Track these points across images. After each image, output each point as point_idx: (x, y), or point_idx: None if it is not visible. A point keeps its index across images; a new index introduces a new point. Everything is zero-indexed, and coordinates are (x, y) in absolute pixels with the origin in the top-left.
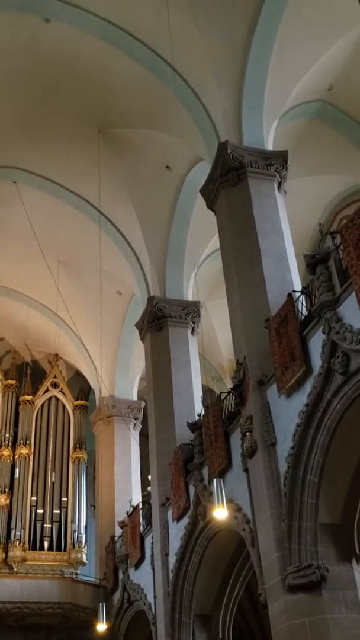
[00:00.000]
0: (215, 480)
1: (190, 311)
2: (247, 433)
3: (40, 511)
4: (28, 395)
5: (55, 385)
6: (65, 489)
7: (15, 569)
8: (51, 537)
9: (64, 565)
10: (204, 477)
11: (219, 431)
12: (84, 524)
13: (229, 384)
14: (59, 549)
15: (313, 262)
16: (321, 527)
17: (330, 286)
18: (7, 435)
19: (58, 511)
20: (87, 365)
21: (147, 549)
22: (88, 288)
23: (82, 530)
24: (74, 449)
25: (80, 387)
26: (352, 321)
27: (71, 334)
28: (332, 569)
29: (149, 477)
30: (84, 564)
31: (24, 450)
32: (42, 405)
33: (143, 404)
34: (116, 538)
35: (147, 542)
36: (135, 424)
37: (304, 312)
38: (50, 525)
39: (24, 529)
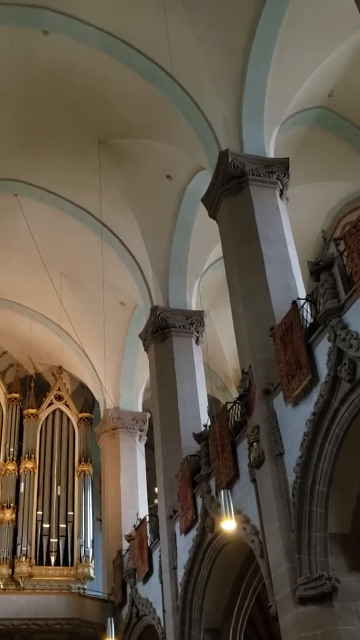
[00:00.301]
0: (222, 491)
1: (194, 321)
2: (254, 443)
3: (46, 526)
4: (32, 408)
5: (59, 397)
6: (71, 502)
7: (22, 585)
8: (58, 551)
9: (71, 580)
10: (212, 488)
11: (225, 442)
12: (91, 538)
13: (234, 394)
14: (65, 563)
15: (317, 269)
16: (331, 537)
17: (334, 293)
18: (11, 449)
19: (64, 525)
20: (91, 377)
21: (155, 563)
22: (91, 299)
23: (89, 544)
24: (79, 462)
25: (85, 399)
26: (358, 328)
27: (74, 346)
28: (343, 580)
29: (156, 490)
30: (92, 579)
31: (29, 464)
32: (47, 418)
33: (148, 415)
34: (123, 552)
35: (155, 555)
36: (140, 435)
37: (309, 319)
38: (56, 540)
39: (30, 544)
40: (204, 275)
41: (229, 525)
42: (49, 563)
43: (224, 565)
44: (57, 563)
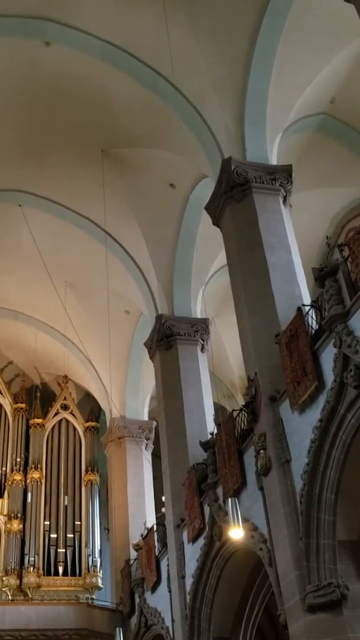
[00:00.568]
0: (230, 499)
1: (199, 328)
2: (261, 450)
3: (53, 536)
4: (38, 418)
5: (65, 407)
6: (78, 512)
7: (30, 596)
8: (65, 562)
9: (79, 590)
10: (219, 496)
11: (232, 449)
12: (99, 547)
13: (240, 401)
14: (73, 574)
15: (321, 275)
16: (339, 545)
17: (339, 299)
18: (18, 459)
19: (72, 535)
20: (96, 386)
21: (163, 572)
22: (95, 308)
23: (97, 554)
24: (86, 471)
25: (91, 408)
26: None
27: (80, 355)
28: (352, 587)
29: (163, 498)
30: (100, 589)
31: (36, 475)
32: (53, 428)
33: (154, 423)
34: (131, 561)
35: (163, 564)
36: (147, 444)
37: (315, 326)
38: (64, 550)
39: (38, 555)
40: (209, 282)
41: (236, 533)
42: (57, 573)
43: (232, 573)
44: (65, 573)
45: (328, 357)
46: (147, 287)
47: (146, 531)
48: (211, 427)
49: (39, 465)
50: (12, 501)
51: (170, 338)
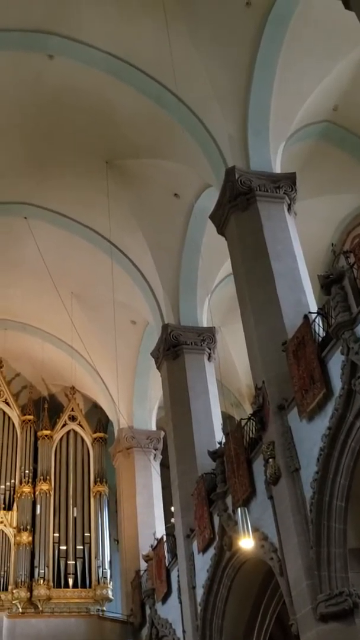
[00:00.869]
0: (239, 509)
1: (206, 337)
2: (270, 459)
3: (63, 548)
4: (46, 430)
5: (73, 418)
6: (87, 524)
7: (41, 608)
8: (75, 573)
9: (89, 602)
10: (228, 506)
11: (240, 459)
12: (108, 559)
13: (248, 410)
14: (83, 585)
15: (327, 283)
16: (351, 553)
17: (346, 306)
18: (26, 471)
19: (81, 547)
20: (104, 397)
21: (173, 583)
22: (102, 319)
23: (107, 565)
24: (95, 482)
25: (98, 419)
26: None
27: (87, 366)
28: None
29: (172, 509)
30: (110, 600)
31: (44, 486)
32: (61, 439)
33: (162, 433)
34: (141, 572)
35: (173, 575)
36: (155, 454)
37: (322, 333)
38: (74, 562)
39: (48, 567)
40: (215, 291)
41: (246, 543)
42: (67, 585)
43: (243, 583)
44: (75, 585)
45: (336, 364)
46: (153, 297)
47: (156, 542)
48: (219, 436)
49: (48, 477)
50: (21, 513)
51: (177, 347)
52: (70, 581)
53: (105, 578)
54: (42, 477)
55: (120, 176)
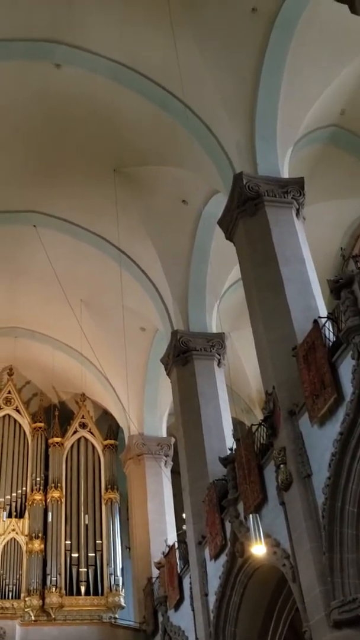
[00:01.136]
0: (251, 515)
1: (215, 343)
2: (281, 465)
3: (75, 555)
4: (57, 437)
5: (83, 425)
6: (99, 531)
7: (53, 616)
8: (87, 581)
9: (102, 609)
10: (240, 512)
11: (252, 465)
12: (120, 566)
13: (259, 416)
14: (96, 593)
15: (337, 287)
16: None
17: (356, 310)
18: (38, 479)
19: (93, 554)
20: (114, 404)
21: (185, 590)
22: (111, 326)
23: (119, 572)
24: (106, 489)
25: (109, 426)
26: None
27: (97, 373)
28: None
29: (184, 516)
30: (122, 608)
31: (56, 494)
32: (72, 446)
33: (173, 440)
34: (153, 579)
35: (186, 582)
36: (166, 461)
37: (332, 338)
38: (86, 569)
39: (60, 574)
40: (224, 297)
41: (259, 549)
42: (79, 593)
43: (255, 590)
44: (87, 593)
45: (346, 369)
46: (162, 304)
47: (167, 549)
48: (230, 442)
49: (59, 485)
50: (32, 521)
51: (187, 354)
52: (83, 589)
53: (118, 585)
54: (53, 485)
55: (128, 184)
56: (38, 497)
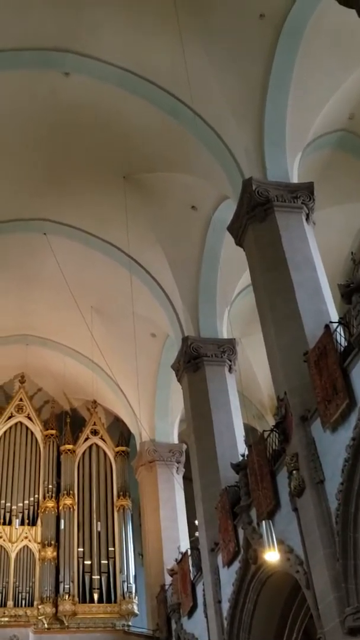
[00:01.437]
0: (264, 522)
1: (226, 349)
2: (294, 471)
3: (87, 562)
4: (69, 444)
5: (95, 432)
6: (111, 538)
7: (67, 624)
8: (100, 588)
9: (115, 617)
10: (252, 519)
11: (264, 471)
12: (133, 573)
13: (271, 422)
14: (109, 600)
15: (348, 292)
16: None
17: None
18: (50, 486)
19: (106, 562)
20: (125, 410)
21: (199, 597)
22: (122, 332)
23: (132, 580)
24: (118, 496)
25: (120, 432)
26: None
27: (108, 380)
28: None
29: (196, 522)
30: (136, 615)
31: (68, 501)
32: (83, 453)
33: (185, 446)
34: (166, 586)
35: (199, 589)
36: (178, 467)
37: (343, 343)
38: (98, 577)
39: (73, 582)
40: (234, 302)
41: (272, 556)
42: (92, 600)
43: (269, 597)
44: (100, 600)
45: (358, 374)
46: (172, 310)
47: (180, 556)
48: (242, 448)
49: (71, 492)
50: (45, 528)
51: (197, 360)
52: (96, 596)
53: (131, 592)
54: (65, 492)
55: (138, 190)
56: (50, 504)
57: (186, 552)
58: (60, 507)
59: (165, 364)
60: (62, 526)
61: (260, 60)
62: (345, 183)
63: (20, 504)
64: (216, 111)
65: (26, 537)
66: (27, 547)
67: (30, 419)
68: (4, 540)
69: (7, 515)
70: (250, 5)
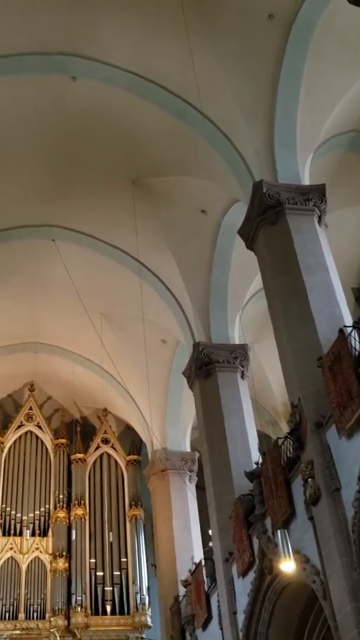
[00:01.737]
0: (279, 531)
1: (238, 355)
2: (309, 479)
3: (100, 574)
4: (79, 453)
5: (106, 441)
6: (124, 549)
7: (79, 636)
8: (113, 600)
9: (128, 629)
10: (267, 528)
11: (279, 479)
12: (146, 584)
13: (285, 428)
14: (122, 612)
15: None
16: None
17: None
18: (61, 496)
19: (118, 573)
20: (136, 418)
21: (213, 608)
22: (132, 339)
23: (145, 591)
24: (130, 506)
25: (132, 441)
26: None
27: (118, 387)
28: None
29: (210, 532)
30: (149, 627)
31: (79, 511)
32: (94, 462)
33: (197, 454)
34: (180, 598)
35: (213, 600)
36: (190, 476)
37: (358, 347)
38: (111, 588)
39: (85, 594)
40: (245, 307)
41: (288, 566)
42: (104, 612)
43: (285, 607)
44: (113, 612)
45: None
46: (183, 315)
47: (194, 566)
48: (256, 456)
49: (82, 502)
50: (56, 539)
51: (209, 366)
52: (108, 608)
53: (144, 604)
54: (76, 502)
55: (147, 195)
56: (61, 514)
57: (200, 562)
58: (72, 518)
59: (176, 370)
60: (73, 537)
61: (269, 61)
62: (357, 184)
63: (31, 515)
64: (225, 113)
65: (37, 549)
66: (39, 558)
67: (40, 427)
68: (14, 551)
69: (18, 526)
70: (258, 6)
